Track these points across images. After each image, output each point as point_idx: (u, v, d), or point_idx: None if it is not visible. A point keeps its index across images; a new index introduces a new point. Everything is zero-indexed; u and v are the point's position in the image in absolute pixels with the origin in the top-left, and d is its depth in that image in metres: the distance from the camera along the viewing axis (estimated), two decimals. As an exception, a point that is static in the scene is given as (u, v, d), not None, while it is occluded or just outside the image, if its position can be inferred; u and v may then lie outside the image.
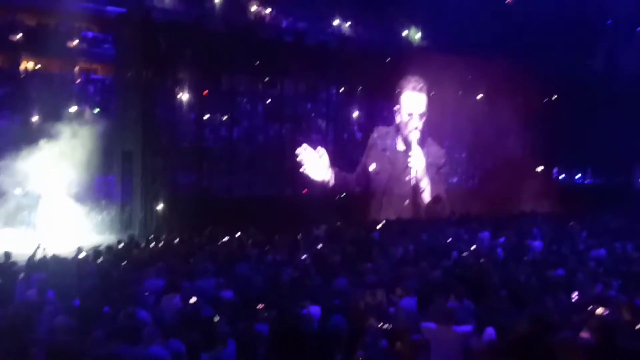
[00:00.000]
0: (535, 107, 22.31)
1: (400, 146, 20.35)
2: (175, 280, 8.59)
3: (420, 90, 20.37)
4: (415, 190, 20.11)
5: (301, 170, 18.98)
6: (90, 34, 21.41)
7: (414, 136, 20.23)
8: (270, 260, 10.65)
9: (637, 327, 6.76)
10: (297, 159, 18.94)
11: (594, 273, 9.73)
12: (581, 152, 25.21)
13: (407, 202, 19.98)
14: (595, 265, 10.39)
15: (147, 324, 6.66)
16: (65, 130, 16.23)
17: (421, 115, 20.44)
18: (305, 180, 19.21)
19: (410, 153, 20.11)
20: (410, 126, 20.25)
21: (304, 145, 19.10)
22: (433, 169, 20.60)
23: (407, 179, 20.08)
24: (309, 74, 19.69)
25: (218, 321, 7.01)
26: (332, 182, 19.45)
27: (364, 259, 10.54)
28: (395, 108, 20.48)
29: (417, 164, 20.13)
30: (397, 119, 20.43)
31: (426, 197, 20.27)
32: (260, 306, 7.52)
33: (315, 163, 19.16)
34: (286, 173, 19.33)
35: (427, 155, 20.56)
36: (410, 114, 20.28)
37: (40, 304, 7.86)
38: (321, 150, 19.27)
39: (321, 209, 16.95)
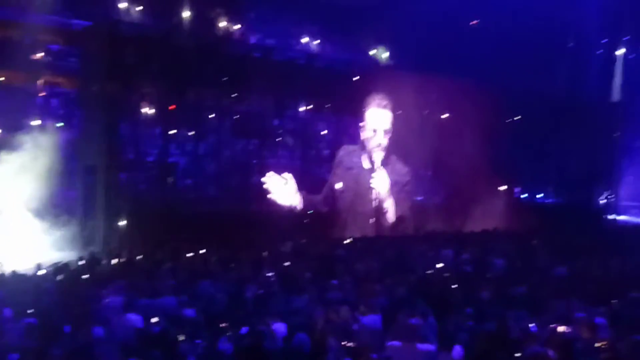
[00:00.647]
0: (499, 127, 22.72)
1: (366, 164, 20.45)
2: (136, 298, 8.45)
3: (385, 107, 20.55)
4: (379, 210, 20.15)
5: (268, 197, 18.89)
6: (55, 47, 21.06)
7: (379, 154, 20.32)
8: (234, 277, 10.54)
9: (595, 345, 6.88)
10: (264, 187, 18.84)
11: (555, 290, 9.89)
12: (543, 172, 25.74)
13: (371, 220, 19.99)
14: (557, 282, 10.55)
15: (105, 342, 6.52)
16: (26, 144, 15.88)
17: (386, 132, 20.59)
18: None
19: (373, 174, 20.17)
20: (374, 143, 20.36)
21: (270, 172, 19.03)
22: (397, 187, 20.72)
23: (371, 197, 20.10)
24: (277, 91, 19.69)
25: (180, 340, 6.91)
26: (300, 206, 19.43)
27: (328, 276, 10.51)
28: (360, 125, 20.57)
29: (381, 184, 20.20)
30: (362, 136, 20.51)
31: (390, 217, 20.32)
32: (223, 324, 7.44)
33: (282, 189, 19.10)
34: (252, 189, 19.23)
35: (392, 172, 20.68)
36: (374, 130, 20.42)
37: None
38: (287, 176, 19.23)
39: (287, 226, 16.91)
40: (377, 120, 20.52)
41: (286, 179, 19.13)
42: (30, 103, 18.97)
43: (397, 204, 20.53)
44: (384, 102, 20.49)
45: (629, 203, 30.06)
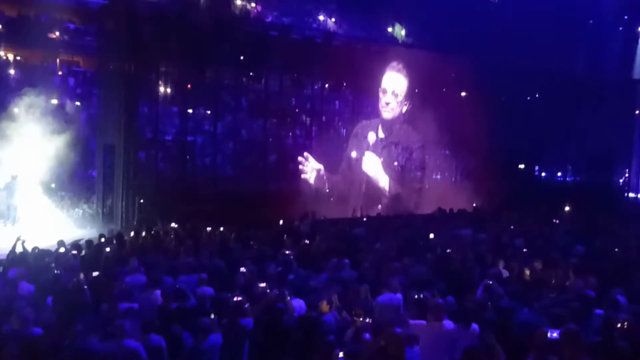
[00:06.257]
0: (518, 106, 22.48)
1: (381, 133, 20.41)
2: (156, 275, 8.53)
3: (400, 71, 20.46)
4: (373, 190, 20.19)
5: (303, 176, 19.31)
6: (72, 26, 21.13)
7: (392, 115, 20.35)
8: (254, 255, 10.61)
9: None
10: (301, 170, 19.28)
11: (573, 269, 9.82)
12: (562, 151, 25.51)
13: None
14: (575, 261, 10.48)
15: (126, 318, 6.60)
16: (46, 123, 16.01)
17: (404, 98, 20.52)
18: (290, 175, 19.26)
19: (366, 152, 20.19)
20: (392, 106, 20.29)
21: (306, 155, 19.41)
22: (406, 153, 20.69)
23: (364, 179, 20.18)
24: (294, 69, 19.65)
25: (201, 314, 6.98)
26: (326, 187, 19.62)
27: (348, 254, 10.54)
28: (379, 88, 20.43)
29: (372, 166, 20.21)
30: (381, 99, 20.37)
31: (384, 192, 20.42)
32: (238, 298, 7.44)
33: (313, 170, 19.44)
34: (270, 168, 19.30)
35: (404, 139, 20.71)
36: (393, 93, 20.34)
37: (19, 299, 7.75)
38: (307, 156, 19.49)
39: (306, 204, 16.95)
40: (394, 84, 20.45)
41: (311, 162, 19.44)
42: (48, 82, 19.10)
43: (398, 177, 20.58)
44: (399, 66, 20.39)
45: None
